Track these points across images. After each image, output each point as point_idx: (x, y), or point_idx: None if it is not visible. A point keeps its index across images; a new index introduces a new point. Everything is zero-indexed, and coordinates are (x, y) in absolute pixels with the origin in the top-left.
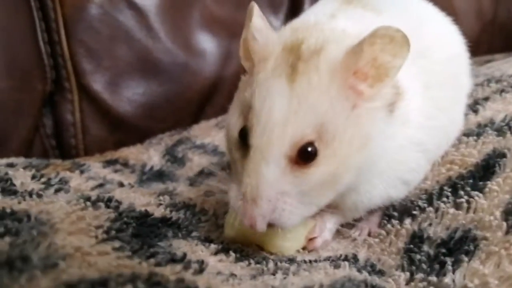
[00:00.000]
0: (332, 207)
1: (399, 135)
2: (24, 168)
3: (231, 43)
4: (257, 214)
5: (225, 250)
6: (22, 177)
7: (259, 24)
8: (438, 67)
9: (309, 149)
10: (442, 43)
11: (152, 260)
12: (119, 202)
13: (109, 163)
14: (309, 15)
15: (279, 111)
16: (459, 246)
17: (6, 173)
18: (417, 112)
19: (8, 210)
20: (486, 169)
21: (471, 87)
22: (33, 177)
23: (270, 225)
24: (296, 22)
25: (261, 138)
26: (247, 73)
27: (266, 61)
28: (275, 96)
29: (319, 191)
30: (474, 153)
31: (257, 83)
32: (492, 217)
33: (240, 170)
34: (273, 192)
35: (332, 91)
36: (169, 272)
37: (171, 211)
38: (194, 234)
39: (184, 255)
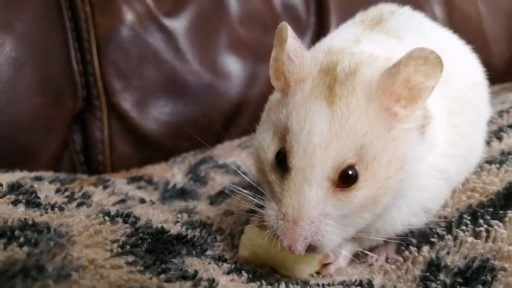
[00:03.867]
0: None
1: (426, 161)
2: (50, 182)
3: (257, 66)
4: (298, 235)
5: (238, 270)
6: (46, 190)
7: (294, 45)
8: (460, 94)
9: (350, 172)
10: (463, 71)
11: (162, 276)
12: (137, 218)
13: (133, 179)
14: (333, 40)
15: (320, 133)
16: (476, 276)
17: (32, 186)
18: (442, 139)
19: (30, 222)
20: (507, 198)
21: (490, 114)
22: (58, 191)
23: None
24: (323, 45)
25: (303, 160)
26: (275, 92)
27: (303, 82)
28: (316, 118)
29: (359, 214)
30: (496, 181)
31: (294, 105)
32: (511, 247)
33: (278, 191)
34: (316, 213)
35: (370, 112)
36: None
37: (187, 229)
38: (208, 252)
39: (196, 272)
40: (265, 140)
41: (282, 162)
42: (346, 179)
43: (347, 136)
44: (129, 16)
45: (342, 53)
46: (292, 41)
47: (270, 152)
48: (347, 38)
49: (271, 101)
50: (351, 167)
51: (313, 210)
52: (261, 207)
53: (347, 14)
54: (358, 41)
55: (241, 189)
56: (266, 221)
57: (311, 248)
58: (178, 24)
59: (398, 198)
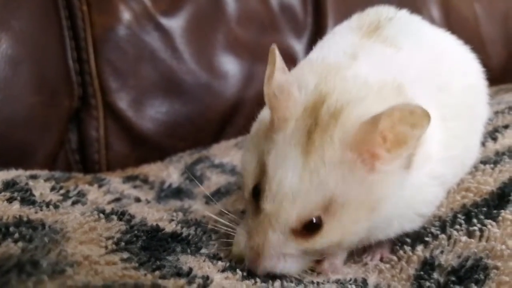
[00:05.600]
0: None
1: (420, 175)
2: (46, 180)
3: (254, 66)
4: (260, 267)
5: (232, 268)
6: (41, 188)
7: (280, 80)
8: (456, 99)
9: (314, 221)
10: (460, 75)
11: (157, 273)
12: (132, 216)
13: (129, 179)
14: (329, 51)
15: (290, 185)
16: (469, 274)
17: (27, 184)
18: (436, 146)
19: (24, 219)
20: (501, 198)
21: (488, 115)
22: (53, 189)
23: None
24: (317, 62)
25: (270, 208)
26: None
27: (286, 122)
28: (288, 169)
29: (321, 251)
30: (490, 181)
31: (274, 144)
32: (504, 246)
33: (250, 224)
34: (276, 253)
35: (345, 163)
36: (172, 285)
37: (182, 227)
38: (203, 250)
39: (190, 270)
40: (249, 165)
41: (257, 196)
42: (309, 227)
43: (315, 191)
44: (126, 15)
45: (335, 78)
46: (279, 76)
47: (250, 181)
48: (343, 52)
49: (261, 117)
50: (316, 217)
51: (273, 251)
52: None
53: (344, 15)
54: (354, 57)
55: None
56: (235, 243)
57: None
58: (175, 24)
59: (383, 223)
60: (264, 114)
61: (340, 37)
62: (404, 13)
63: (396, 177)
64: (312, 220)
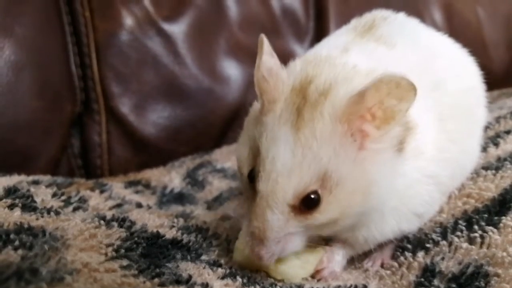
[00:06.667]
0: (341, 241)
1: (412, 169)
2: (47, 186)
3: None
4: (264, 252)
5: (232, 275)
6: (43, 194)
7: (269, 63)
8: (452, 99)
9: (312, 196)
10: (455, 76)
11: (156, 280)
12: (133, 222)
13: (131, 184)
14: (322, 47)
15: (283, 162)
16: (470, 281)
17: (28, 190)
18: (430, 145)
19: (25, 226)
20: (502, 204)
21: (487, 118)
22: (54, 195)
23: None
24: (309, 54)
25: (266, 187)
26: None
27: (275, 103)
28: (280, 146)
29: (321, 229)
30: (492, 187)
31: (265, 126)
32: (505, 253)
33: (249, 208)
34: (280, 235)
35: (336, 137)
36: None
37: (182, 234)
38: (203, 257)
39: (190, 277)
40: (242, 154)
41: (253, 181)
42: (308, 203)
43: (309, 165)
44: (128, 21)
45: (324, 64)
46: (267, 59)
47: (245, 168)
48: (335, 46)
49: (253, 109)
50: (314, 192)
51: (276, 233)
52: None
53: (346, 20)
54: (346, 50)
55: None
56: (236, 249)
57: None
58: (177, 29)
59: (377, 212)
60: (255, 106)
61: (335, 37)
62: (400, 15)
63: (387, 156)
64: (310, 196)
